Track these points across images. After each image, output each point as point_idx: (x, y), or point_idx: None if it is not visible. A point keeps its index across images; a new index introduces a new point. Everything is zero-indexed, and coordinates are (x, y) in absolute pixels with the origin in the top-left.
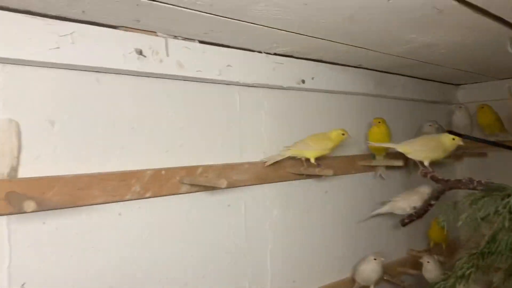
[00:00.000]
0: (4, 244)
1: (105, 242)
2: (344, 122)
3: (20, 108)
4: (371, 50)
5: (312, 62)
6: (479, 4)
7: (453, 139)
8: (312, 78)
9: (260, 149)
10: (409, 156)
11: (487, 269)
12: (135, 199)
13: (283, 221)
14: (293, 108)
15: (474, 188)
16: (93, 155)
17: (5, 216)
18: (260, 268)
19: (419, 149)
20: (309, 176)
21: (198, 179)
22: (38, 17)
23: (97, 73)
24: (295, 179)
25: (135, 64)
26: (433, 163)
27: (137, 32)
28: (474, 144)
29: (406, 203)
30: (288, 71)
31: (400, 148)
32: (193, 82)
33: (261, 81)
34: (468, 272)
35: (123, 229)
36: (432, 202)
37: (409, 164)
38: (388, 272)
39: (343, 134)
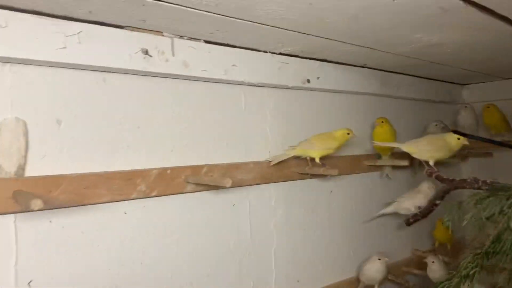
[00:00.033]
0: (11, 242)
1: (111, 240)
2: (349, 122)
3: (27, 108)
4: (376, 49)
5: (317, 61)
6: (485, 4)
7: (458, 138)
8: (317, 78)
9: (265, 148)
10: (414, 155)
11: (492, 269)
12: (140, 198)
13: (288, 221)
14: (298, 108)
15: (479, 188)
16: (99, 154)
17: (12, 214)
18: (265, 267)
19: (424, 149)
20: (314, 175)
21: (203, 179)
22: (45, 17)
23: (104, 72)
24: (300, 179)
25: (141, 64)
26: (438, 163)
27: (143, 32)
28: (479, 144)
29: (411, 202)
30: (293, 71)
31: (405, 147)
32: (198, 82)
33: (266, 80)
34: (472, 272)
35: (129, 227)
36: (437, 201)
37: (414, 164)
38: (393, 272)
39: (348, 134)
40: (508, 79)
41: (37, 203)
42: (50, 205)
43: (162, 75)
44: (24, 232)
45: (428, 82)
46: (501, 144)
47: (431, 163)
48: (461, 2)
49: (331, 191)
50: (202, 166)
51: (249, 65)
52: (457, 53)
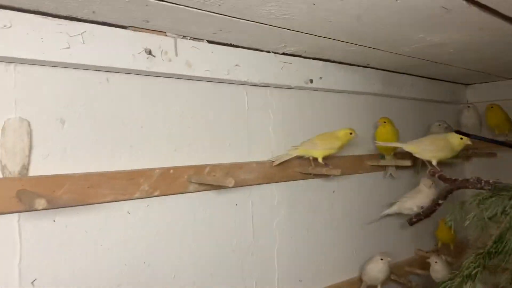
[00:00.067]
0: (15, 241)
1: (114, 240)
2: (352, 122)
3: (31, 107)
4: (379, 49)
5: (320, 61)
6: (488, 4)
7: (461, 138)
8: (320, 78)
9: (267, 148)
10: (417, 155)
11: (495, 269)
12: (143, 198)
13: (291, 221)
14: (301, 108)
15: (481, 188)
16: (102, 154)
17: (16, 214)
18: (267, 267)
19: (426, 149)
20: (316, 175)
21: (206, 178)
22: (49, 17)
23: (107, 72)
24: (302, 179)
25: (145, 64)
26: (441, 163)
27: (147, 32)
28: (483, 144)
29: (413, 202)
30: (296, 71)
31: (407, 147)
32: (201, 82)
33: (269, 80)
34: (474, 272)
35: (132, 227)
36: (440, 201)
37: (417, 164)
38: (396, 272)
39: (350, 134)
40: (511, 79)
41: (40, 203)
42: (54, 205)
43: (165, 75)
44: (28, 231)
45: (431, 82)
46: (504, 144)
47: (434, 163)
48: (464, 2)
49: (333, 191)
50: (204, 166)
51: (252, 65)
52: (460, 53)
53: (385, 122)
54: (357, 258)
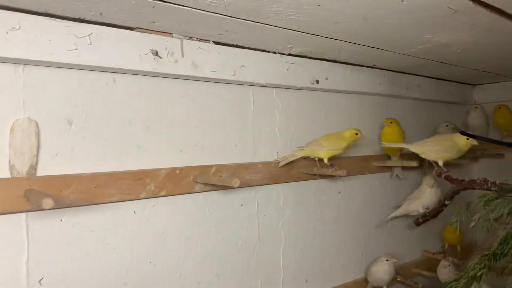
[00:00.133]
0: (23, 240)
1: (120, 239)
2: (359, 123)
3: (39, 108)
4: (386, 50)
5: (326, 62)
6: (494, 4)
7: (468, 139)
8: (326, 78)
9: (273, 149)
10: (423, 156)
11: (501, 271)
12: (149, 198)
13: (296, 221)
14: (307, 108)
15: (488, 189)
16: (109, 154)
17: (24, 213)
18: (273, 267)
19: (432, 149)
20: (322, 176)
21: (212, 179)
22: (57, 19)
23: (114, 73)
24: (308, 179)
25: (151, 65)
26: (448, 164)
27: (153, 34)
28: (490, 145)
29: (418, 203)
30: (302, 71)
31: (413, 148)
32: (207, 83)
33: (275, 81)
34: (479, 273)
35: (138, 227)
36: (446, 202)
37: (424, 164)
38: (402, 273)
39: (356, 134)
40: None
41: (48, 202)
42: (61, 204)
43: (172, 76)
44: (35, 231)
45: (439, 82)
46: (506, 144)
47: (440, 163)
48: (470, 3)
49: (339, 192)
50: (210, 166)
51: (258, 66)
52: (467, 53)
53: (391, 122)
54: (363, 259)
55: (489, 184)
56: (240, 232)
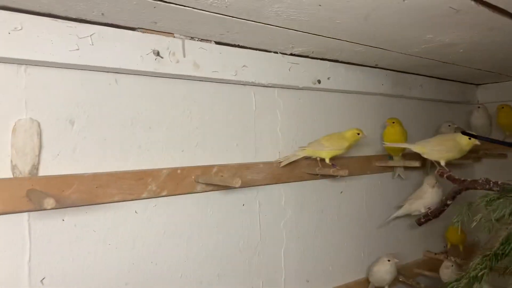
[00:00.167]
0: (25, 240)
1: (122, 239)
2: (360, 122)
3: (41, 108)
4: (388, 50)
5: (328, 62)
6: (498, 4)
7: (469, 138)
8: (328, 78)
9: (275, 149)
10: (425, 156)
11: (503, 271)
12: (151, 198)
13: (298, 221)
14: (309, 108)
15: (490, 189)
16: (111, 154)
17: (26, 213)
18: (274, 267)
19: (434, 149)
20: (324, 176)
21: (213, 179)
22: (59, 19)
23: (116, 74)
24: (310, 179)
25: (153, 65)
26: (451, 164)
27: (155, 34)
28: (492, 145)
29: (420, 203)
30: (304, 71)
31: (415, 148)
32: (209, 83)
33: (277, 81)
34: (480, 273)
35: (139, 226)
36: (448, 202)
37: (426, 164)
38: (404, 273)
39: (358, 134)
40: None
41: (49, 202)
42: (63, 204)
43: (173, 76)
44: (37, 230)
45: (442, 82)
46: (506, 144)
47: (442, 163)
48: (473, 2)
49: (341, 192)
50: (212, 166)
51: (259, 66)
52: (470, 53)
53: (393, 122)
54: (365, 259)
55: (491, 184)
56: (241, 232)
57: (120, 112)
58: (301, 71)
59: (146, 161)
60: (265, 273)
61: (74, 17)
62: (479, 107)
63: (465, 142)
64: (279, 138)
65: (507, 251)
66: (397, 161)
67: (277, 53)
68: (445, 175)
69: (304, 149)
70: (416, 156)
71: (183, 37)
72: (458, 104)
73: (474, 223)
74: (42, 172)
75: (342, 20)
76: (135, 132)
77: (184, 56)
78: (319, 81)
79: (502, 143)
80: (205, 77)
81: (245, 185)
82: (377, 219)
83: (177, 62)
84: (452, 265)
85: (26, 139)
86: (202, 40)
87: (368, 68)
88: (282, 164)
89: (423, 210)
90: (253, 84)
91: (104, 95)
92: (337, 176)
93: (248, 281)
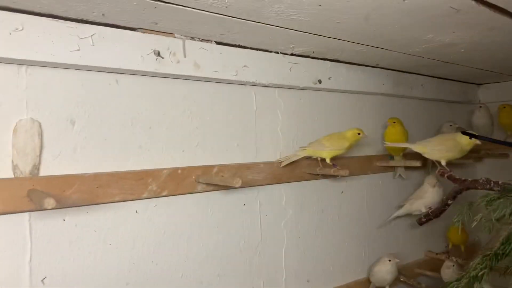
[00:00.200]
0: (25, 240)
1: (122, 239)
2: (361, 122)
3: (42, 108)
4: (388, 50)
5: (329, 62)
6: (498, 4)
7: (470, 138)
8: (329, 78)
9: (276, 149)
10: (425, 155)
11: (504, 271)
12: (151, 198)
13: (298, 221)
14: (310, 108)
15: (490, 189)
16: (111, 154)
17: (27, 213)
18: (275, 267)
19: (435, 149)
20: (324, 176)
21: (214, 179)
22: (59, 20)
23: (116, 74)
24: (310, 179)
25: (153, 65)
26: (452, 163)
27: (155, 34)
28: (494, 145)
29: (421, 203)
30: (305, 71)
31: (416, 148)
32: (210, 83)
33: (277, 81)
34: (481, 273)
35: (140, 226)
36: (449, 201)
37: (427, 164)
38: (405, 273)
39: (359, 134)
40: None
41: (50, 202)
42: (63, 204)
43: (174, 76)
44: (38, 230)
45: (443, 82)
46: (507, 144)
47: (443, 163)
48: (473, 2)
49: (342, 192)
50: (212, 166)
51: (260, 66)
52: (471, 52)
53: (394, 122)
54: (366, 259)
55: (492, 184)
56: (242, 232)
57: (121, 112)
58: (301, 71)
59: (146, 161)
60: (265, 273)
61: (75, 17)
62: (480, 106)
63: (466, 142)
64: (279, 138)
65: (507, 251)
66: (398, 161)
67: (277, 53)
68: (446, 175)
69: (305, 149)
70: (417, 156)
71: (183, 37)
72: (460, 104)
73: (475, 223)
74: (43, 172)
75: (342, 20)
76: (135, 132)
77: (185, 56)
78: (320, 81)
79: (503, 143)
80: (205, 77)
81: (246, 185)
82: (378, 219)
83: (178, 62)
84: (454, 265)
85: (27, 139)
86: (202, 40)
87: (369, 68)
88: (283, 164)
89: (424, 210)
90: (254, 84)
91: (104, 95)
92: (337, 176)
93: (249, 281)
